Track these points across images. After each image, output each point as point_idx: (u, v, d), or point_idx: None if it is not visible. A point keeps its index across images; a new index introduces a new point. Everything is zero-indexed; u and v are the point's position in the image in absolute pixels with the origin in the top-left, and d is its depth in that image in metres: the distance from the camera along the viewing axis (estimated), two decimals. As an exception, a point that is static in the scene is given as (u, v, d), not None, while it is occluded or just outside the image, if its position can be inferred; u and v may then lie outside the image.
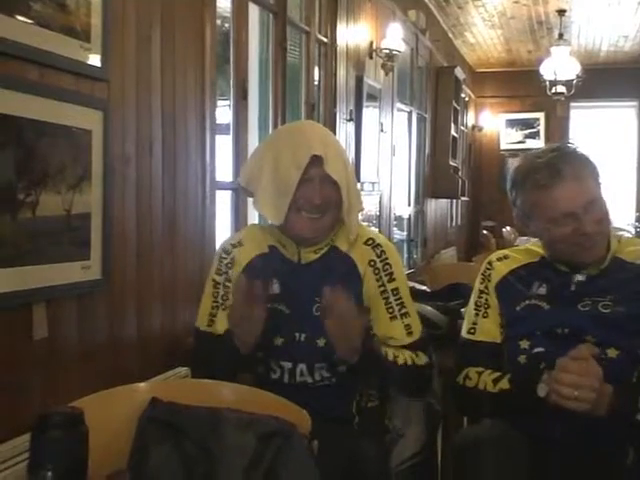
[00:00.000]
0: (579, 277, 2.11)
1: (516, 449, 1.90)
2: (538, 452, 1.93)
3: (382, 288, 2.13)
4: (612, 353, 2.01)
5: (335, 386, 2.10)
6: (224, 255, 2.25)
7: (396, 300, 2.14)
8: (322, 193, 2.07)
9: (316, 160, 2.05)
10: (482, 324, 2.20)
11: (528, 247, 2.25)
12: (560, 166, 2.03)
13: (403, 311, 2.14)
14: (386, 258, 2.15)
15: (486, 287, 2.23)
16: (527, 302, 2.15)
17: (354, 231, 2.15)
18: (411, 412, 2.33)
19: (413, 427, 2.30)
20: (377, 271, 2.13)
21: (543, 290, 2.14)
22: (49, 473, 1.09)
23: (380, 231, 6.60)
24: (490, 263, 2.26)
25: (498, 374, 2.06)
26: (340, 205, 2.10)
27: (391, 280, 2.13)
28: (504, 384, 2.03)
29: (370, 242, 2.17)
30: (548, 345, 2.07)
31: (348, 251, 2.15)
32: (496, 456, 1.87)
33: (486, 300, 2.21)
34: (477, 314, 2.22)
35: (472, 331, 2.21)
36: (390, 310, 2.13)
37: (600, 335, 2.02)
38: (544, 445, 1.96)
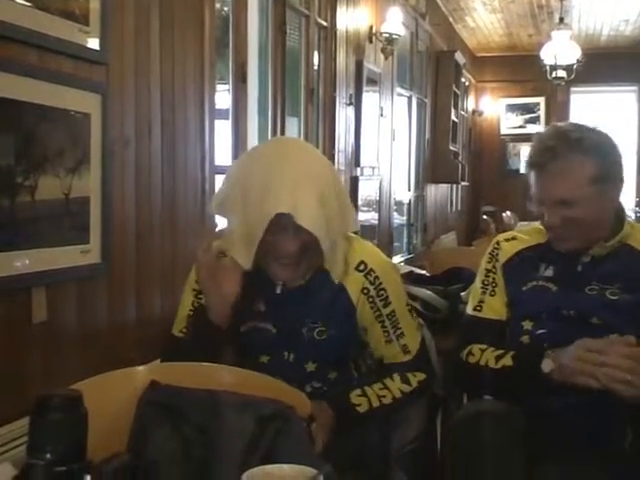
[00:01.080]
0: (584, 259, 2.12)
1: (515, 424, 1.91)
2: (537, 427, 1.94)
3: (377, 313, 2.05)
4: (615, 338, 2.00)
5: (327, 392, 2.01)
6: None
7: (392, 323, 2.07)
8: (296, 241, 1.90)
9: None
10: (489, 302, 2.21)
11: (536, 228, 2.26)
12: (559, 155, 2.03)
13: (398, 332, 2.07)
14: (380, 283, 2.05)
15: (494, 266, 2.23)
16: (534, 283, 2.15)
17: (341, 264, 2.02)
18: None
19: (413, 411, 2.30)
20: (371, 299, 2.03)
21: (550, 272, 2.15)
22: (48, 455, 1.09)
23: (380, 216, 6.60)
24: (498, 243, 2.27)
25: (501, 351, 2.06)
26: (319, 244, 1.92)
27: (386, 305, 2.05)
28: (507, 360, 2.03)
29: (362, 268, 2.04)
30: (552, 327, 2.08)
31: (341, 279, 2.02)
32: (495, 430, 1.87)
33: (493, 279, 2.22)
34: (484, 292, 2.22)
35: (478, 308, 2.22)
36: (386, 334, 2.07)
37: (606, 319, 2.03)
38: (543, 420, 1.96)
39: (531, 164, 2.12)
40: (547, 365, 1.90)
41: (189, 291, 2.08)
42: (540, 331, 2.10)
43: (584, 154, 2.03)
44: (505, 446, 1.86)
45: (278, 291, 2.01)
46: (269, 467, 1.17)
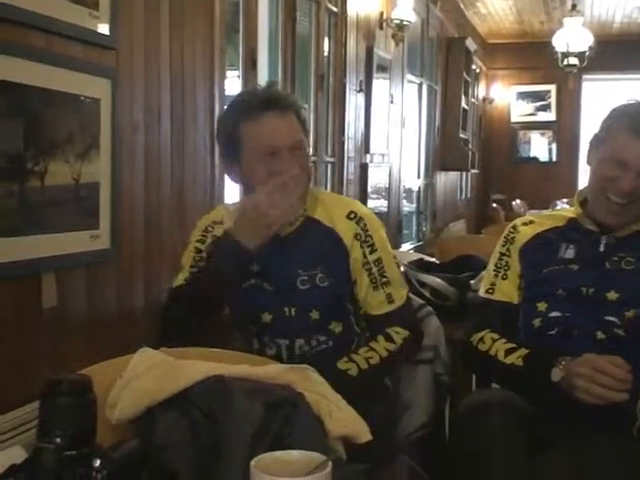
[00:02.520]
0: (608, 239, 2.13)
1: (521, 411, 1.92)
2: (543, 414, 1.94)
3: (365, 260, 2.11)
4: (630, 314, 2.04)
5: (332, 348, 2.07)
6: (210, 228, 2.16)
7: (379, 270, 2.12)
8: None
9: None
10: (500, 285, 2.22)
11: (553, 213, 2.28)
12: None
13: (384, 280, 2.13)
14: (367, 230, 2.13)
15: (508, 250, 2.24)
16: (555, 267, 2.16)
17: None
18: (419, 383, 2.33)
19: (421, 398, 2.31)
20: (362, 244, 2.11)
21: (571, 252, 2.16)
22: (57, 439, 1.09)
23: (389, 204, 6.60)
24: (514, 227, 2.28)
25: (512, 345, 2.06)
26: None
27: (373, 252, 2.12)
28: (516, 358, 2.03)
29: (352, 216, 2.14)
30: (566, 309, 2.09)
31: (332, 225, 2.11)
32: (500, 418, 1.88)
33: (506, 262, 2.23)
34: (496, 275, 2.23)
35: (490, 291, 2.23)
36: (373, 280, 2.12)
37: (624, 292, 2.06)
38: (549, 407, 1.96)
39: (626, 124, 2.04)
40: (556, 374, 1.90)
41: (190, 248, 2.15)
42: (553, 314, 2.11)
43: None
44: (511, 433, 1.86)
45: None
46: (278, 453, 1.17)
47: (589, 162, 2.19)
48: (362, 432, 1.56)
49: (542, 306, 2.13)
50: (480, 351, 2.12)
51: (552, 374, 1.91)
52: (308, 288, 2.04)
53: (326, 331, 2.07)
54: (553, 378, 1.90)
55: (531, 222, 2.29)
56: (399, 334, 2.10)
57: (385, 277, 2.13)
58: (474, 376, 2.60)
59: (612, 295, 2.06)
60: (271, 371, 1.58)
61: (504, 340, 2.09)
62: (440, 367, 2.39)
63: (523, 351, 2.03)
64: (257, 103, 2.04)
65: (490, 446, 1.85)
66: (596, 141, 2.15)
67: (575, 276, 2.12)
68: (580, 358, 1.89)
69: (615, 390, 1.82)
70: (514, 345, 2.06)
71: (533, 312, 2.14)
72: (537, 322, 2.12)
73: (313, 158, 5.05)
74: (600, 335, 2.05)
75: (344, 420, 1.54)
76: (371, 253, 2.12)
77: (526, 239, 2.24)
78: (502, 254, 2.25)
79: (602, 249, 2.13)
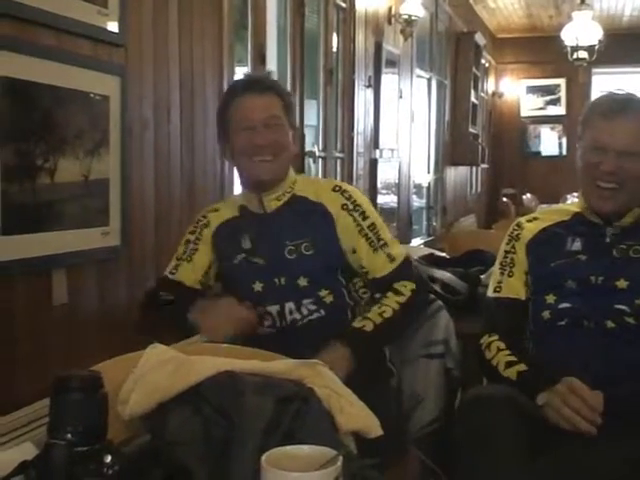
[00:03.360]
0: (613, 230, 2.15)
1: (521, 407, 1.92)
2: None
3: (359, 227, 2.25)
4: None
5: (324, 318, 2.16)
6: (201, 218, 2.35)
7: (374, 234, 2.26)
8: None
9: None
10: (507, 282, 2.24)
11: (558, 208, 2.31)
12: (625, 106, 2.10)
13: (381, 243, 2.26)
14: (355, 200, 2.28)
15: (513, 247, 2.26)
16: (563, 260, 2.17)
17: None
18: (430, 377, 2.33)
19: (432, 392, 2.31)
20: (351, 213, 2.26)
21: (578, 245, 2.18)
22: (68, 435, 1.09)
23: (399, 199, 6.60)
24: (519, 224, 2.30)
25: (513, 358, 2.07)
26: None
27: (365, 218, 2.26)
28: (513, 373, 2.04)
29: (337, 189, 2.31)
30: (575, 300, 2.10)
31: (319, 200, 2.27)
32: (500, 413, 1.89)
33: (512, 259, 2.25)
34: (502, 273, 2.25)
35: (497, 289, 2.25)
36: (372, 244, 2.25)
37: (633, 278, 2.07)
38: None
39: (598, 112, 2.13)
40: (541, 399, 1.91)
41: (183, 240, 2.33)
42: (562, 305, 2.12)
43: None
44: (510, 429, 1.86)
45: (261, 211, 2.26)
46: (289, 448, 1.17)
47: (578, 152, 2.24)
48: (373, 427, 1.56)
49: (551, 298, 2.14)
50: (485, 358, 2.14)
51: (538, 397, 1.91)
52: (295, 257, 2.20)
53: (316, 297, 2.17)
54: (538, 401, 1.91)
55: (535, 219, 2.31)
56: (406, 287, 2.23)
57: (382, 240, 2.27)
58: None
59: (622, 283, 2.08)
60: (282, 366, 1.58)
61: (508, 352, 2.10)
62: (451, 361, 2.40)
63: (521, 367, 2.04)
64: (241, 85, 2.32)
65: (488, 443, 1.85)
66: (579, 137, 2.21)
67: (583, 266, 2.14)
68: (567, 379, 1.90)
69: (584, 417, 1.82)
70: (515, 359, 2.07)
71: (542, 305, 2.15)
72: (546, 314, 2.13)
73: (322, 154, 5.05)
74: (610, 324, 2.05)
75: (355, 415, 1.54)
76: (364, 220, 2.26)
77: (532, 234, 2.25)
78: (507, 252, 2.27)
79: (608, 240, 2.14)
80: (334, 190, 2.30)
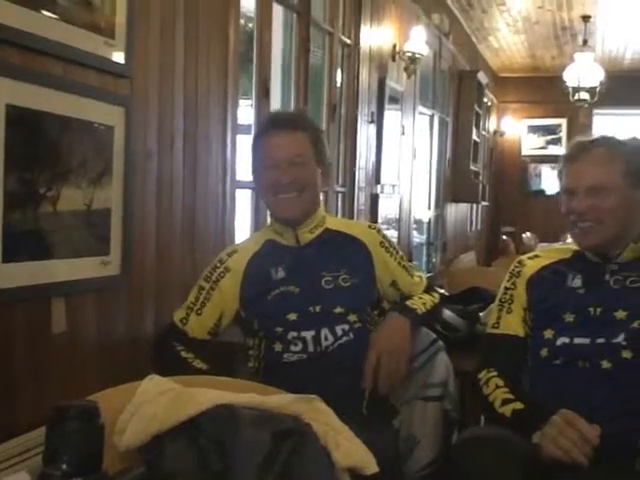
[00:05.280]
0: (612, 267, 2.19)
1: (516, 448, 1.91)
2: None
3: (396, 262, 2.45)
4: (636, 325, 2.08)
5: (352, 342, 2.24)
6: (218, 264, 2.40)
7: (407, 265, 2.51)
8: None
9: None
10: (505, 319, 2.27)
11: (559, 247, 2.36)
12: (588, 146, 2.19)
13: (411, 270, 2.52)
14: (387, 238, 2.51)
15: (513, 284, 2.30)
16: (563, 296, 2.21)
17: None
18: (428, 420, 2.32)
19: (429, 435, 2.30)
20: (388, 249, 2.43)
21: (579, 281, 2.22)
22: (64, 466, 1.09)
23: (400, 234, 6.60)
24: (520, 262, 2.35)
25: (510, 396, 2.08)
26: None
27: (397, 252, 2.48)
28: (508, 410, 2.04)
29: (373, 227, 2.54)
30: (573, 334, 2.12)
31: (354, 234, 2.41)
32: (494, 455, 1.89)
33: (511, 296, 2.29)
34: (501, 309, 2.29)
35: (496, 326, 2.29)
36: (408, 272, 2.48)
37: (630, 307, 2.10)
38: None
39: (564, 158, 2.25)
40: (536, 437, 1.92)
41: (196, 285, 2.41)
42: (560, 340, 2.14)
43: (617, 149, 2.19)
44: (504, 471, 1.85)
45: (295, 243, 2.35)
46: (285, 483, 1.17)
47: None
48: (369, 463, 1.56)
49: (549, 333, 2.17)
50: (483, 393, 2.16)
51: (533, 436, 1.92)
52: (332, 287, 2.28)
53: (348, 322, 2.25)
54: (534, 440, 1.92)
55: (537, 256, 2.36)
56: (435, 292, 2.52)
57: (410, 267, 2.54)
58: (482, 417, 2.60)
59: (620, 314, 2.11)
60: (279, 401, 1.58)
61: (506, 389, 2.11)
62: (448, 403, 2.39)
63: (517, 405, 2.04)
64: (269, 123, 2.41)
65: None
66: (558, 177, 2.32)
67: (582, 298, 2.17)
68: (563, 411, 1.91)
69: (580, 448, 1.82)
70: (512, 397, 2.08)
71: (540, 341, 2.18)
72: (544, 352, 2.15)
73: (324, 188, 5.05)
74: (606, 364, 2.05)
75: (351, 451, 1.54)
76: (397, 254, 2.47)
77: (533, 271, 2.29)
78: (507, 288, 2.31)
79: (607, 277, 2.18)
80: (370, 228, 2.52)
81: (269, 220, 2.51)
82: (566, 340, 2.12)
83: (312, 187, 2.34)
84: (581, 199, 2.15)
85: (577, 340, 2.10)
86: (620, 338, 2.07)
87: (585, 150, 2.18)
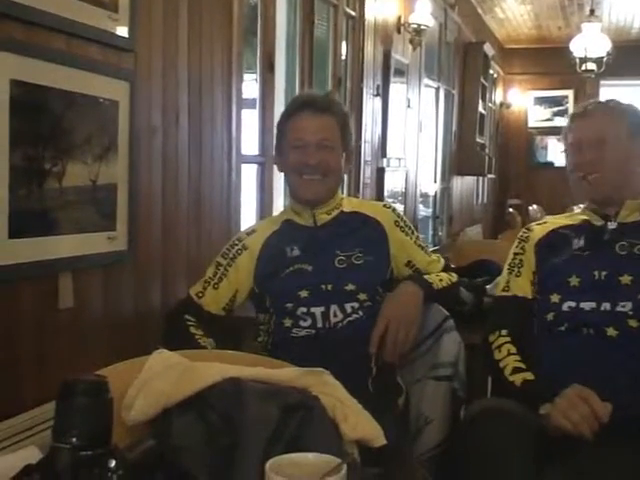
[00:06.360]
0: (611, 225, 2.24)
1: (524, 422, 1.92)
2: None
3: (412, 240, 2.44)
4: None
5: (361, 320, 2.24)
6: (236, 242, 2.41)
7: (424, 245, 2.50)
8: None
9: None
10: (514, 282, 2.32)
11: (566, 215, 2.44)
12: (594, 104, 2.36)
13: (428, 250, 2.52)
14: (402, 217, 2.48)
15: (522, 248, 2.36)
16: (567, 256, 2.25)
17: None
18: (437, 399, 2.32)
19: (439, 415, 2.30)
20: (403, 229, 2.43)
21: (582, 242, 2.26)
22: (73, 439, 1.09)
23: (406, 208, 6.59)
24: (528, 228, 2.43)
25: (521, 365, 2.09)
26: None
27: (413, 232, 2.47)
28: (518, 379, 2.05)
29: (388, 207, 2.53)
30: (580, 298, 2.14)
31: (370, 213, 2.42)
32: (502, 428, 1.89)
33: (520, 260, 2.34)
34: (510, 273, 2.34)
35: (506, 289, 2.33)
36: (426, 252, 2.48)
37: (636, 274, 2.12)
38: None
39: (570, 117, 2.41)
40: (544, 409, 1.93)
41: (214, 261, 2.40)
42: (566, 304, 2.16)
43: (620, 106, 2.34)
44: (513, 444, 1.86)
45: (312, 224, 2.37)
46: (293, 455, 1.17)
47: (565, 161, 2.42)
48: (377, 436, 1.56)
49: (555, 297, 2.19)
50: (494, 358, 2.17)
51: (541, 407, 1.93)
52: (344, 267, 2.29)
53: (358, 301, 2.26)
54: (541, 411, 1.92)
55: (545, 222, 2.43)
56: (453, 275, 2.51)
57: (427, 247, 2.54)
58: (489, 388, 2.60)
59: (626, 279, 2.13)
60: (287, 374, 1.58)
61: (518, 357, 2.13)
62: (457, 383, 2.38)
63: (528, 375, 2.04)
64: (300, 103, 2.41)
65: (490, 459, 1.85)
66: (563, 138, 2.43)
67: (587, 261, 2.20)
68: (576, 386, 1.91)
69: (590, 426, 1.83)
70: (523, 366, 2.09)
71: (547, 305, 2.20)
72: (550, 316, 2.17)
73: (345, 172, 5.04)
74: (611, 332, 2.05)
75: (359, 424, 1.54)
76: (412, 234, 2.46)
77: (541, 235, 2.35)
78: (516, 254, 2.36)
79: (607, 237, 2.23)
80: (385, 207, 2.52)
81: (282, 198, 2.52)
82: (572, 304, 2.14)
83: (336, 171, 2.38)
84: (589, 150, 2.24)
85: (583, 304, 2.12)
86: (627, 307, 2.07)
87: (591, 107, 2.32)
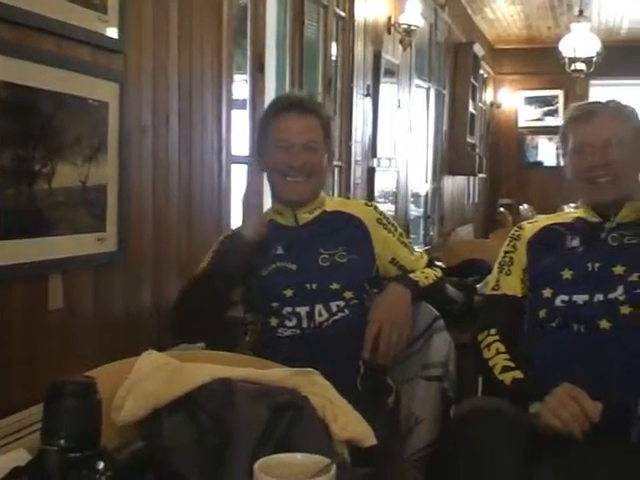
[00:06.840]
0: (609, 225, 2.22)
1: (513, 420, 1.92)
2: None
3: (394, 238, 2.43)
4: (634, 277, 2.10)
5: (347, 318, 2.24)
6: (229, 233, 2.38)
7: (407, 242, 2.49)
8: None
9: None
10: (504, 280, 2.31)
11: (558, 213, 2.42)
12: (597, 106, 2.30)
13: (411, 247, 2.50)
14: (385, 215, 2.47)
15: (513, 246, 2.34)
16: (561, 253, 2.23)
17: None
18: (428, 400, 2.32)
19: (430, 415, 2.30)
20: (385, 226, 2.42)
21: (577, 242, 2.24)
22: (62, 441, 1.09)
23: (397, 208, 6.60)
24: (520, 226, 2.41)
25: (511, 364, 2.08)
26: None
27: (396, 230, 2.45)
28: (508, 378, 2.05)
29: (370, 205, 2.53)
30: (572, 290, 2.13)
31: (352, 212, 2.40)
32: (491, 427, 1.88)
33: (511, 258, 2.32)
34: (500, 272, 2.33)
35: (496, 288, 2.32)
36: (409, 249, 2.46)
37: (629, 262, 2.12)
38: None
39: (571, 119, 2.31)
40: (534, 407, 1.92)
41: (209, 252, 2.34)
42: (559, 298, 2.15)
43: (624, 107, 2.31)
44: (503, 443, 1.86)
45: (293, 223, 2.35)
46: (282, 456, 1.17)
47: (565, 163, 2.36)
48: (367, 436, 1.56)
49: (548, 292, 2.18)
50: (484, 357, 2.16)
51: (531, 406, 1.92)
52: (328, 265, 2.28)
53: (343, 299, 2.25)
54: (530, 410, 1.92)
55: (537, 221, 2.42)
56: (437, 269, 2.49)
57: (410, 244, 2.53)
58: (480, 389, 2.60)
59: (619, 269, 2.12)
60: (277, 374, 1.58)
61: (506, 355, 2.12)
62: (447, 383, 2.39)
63: (517, 374, 2.05)
64: (284, 103, 2.39)
65: (479, 458, 1.85)
66: (563, 153, 2.35)
67: (580, 256, 2.20)
68: (566, 384, 1.91)
69: (580, 425, 1.83)
70: (512, 364, 2.08)
71: (539, 301, 2.19)
72: (542, 313, 2.16)
73: (327, 174, 5.04)
74: (604, 324, 2.05)
75: (349, 424, 1.54)
76: (396, 231, 2.45)
77: (533, 232, 2.33)
78: (506, 252, 2.35)
79: (603, 237, 2.21)
80: (367, 205, 2.51)
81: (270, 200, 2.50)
82: (565, 298, 2.13)
83: (320, 172, 2.38)
84: (599, 153, 2.20)
85: (576, 297, 2.12)
86: (618, 292, 2.08)
87: (597, 108, 2.28)
